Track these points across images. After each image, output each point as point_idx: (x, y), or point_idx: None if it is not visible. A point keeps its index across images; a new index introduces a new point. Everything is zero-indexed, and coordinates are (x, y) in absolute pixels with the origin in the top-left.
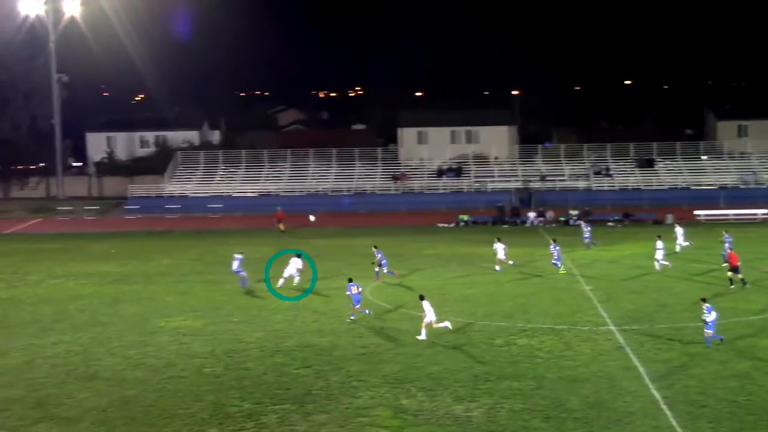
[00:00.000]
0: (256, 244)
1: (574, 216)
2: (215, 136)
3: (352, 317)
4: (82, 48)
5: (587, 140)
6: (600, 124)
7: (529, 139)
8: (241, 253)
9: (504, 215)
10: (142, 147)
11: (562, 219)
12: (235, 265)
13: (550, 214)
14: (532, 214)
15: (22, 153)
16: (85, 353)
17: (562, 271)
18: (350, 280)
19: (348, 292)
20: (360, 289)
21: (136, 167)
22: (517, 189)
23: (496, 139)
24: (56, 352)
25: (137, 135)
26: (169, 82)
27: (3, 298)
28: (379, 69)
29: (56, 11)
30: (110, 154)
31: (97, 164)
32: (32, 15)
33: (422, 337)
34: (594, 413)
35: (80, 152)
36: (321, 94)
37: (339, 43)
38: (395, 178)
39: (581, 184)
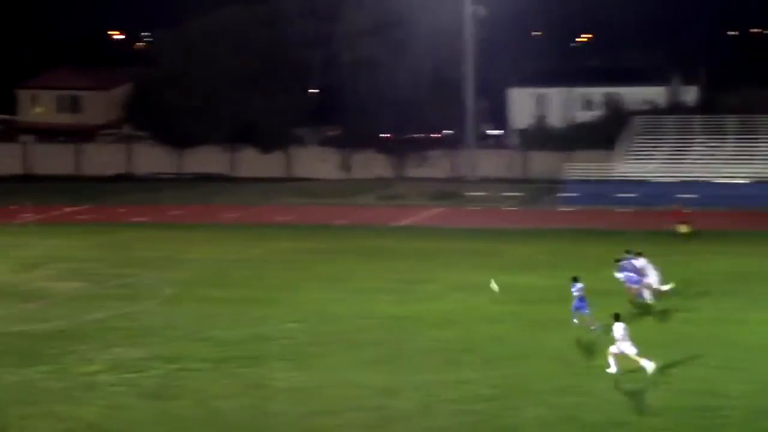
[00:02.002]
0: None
1: None
2: (690, 95)
3: (574, 321)
4: None
5: None
6: None
7: None
8: (628, 252)
9: None
10: (584, 109)
11: None
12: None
13: None
14: None
15: (421, 118)
16: (499, 399)
17: None
18: (575, 280)
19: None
20: (581, 291)
21: (577, 138)
22: None
23: None
24: (461, 394)
25: (578, 92)
26: (626, 16)
27: (394, 316)
28: None
29: None
30: (540, 119)
31: (522, 133)
32: None
33: (611, 369)
34: None
35: (498, 116)
36: None
37: None
38: None
39: None
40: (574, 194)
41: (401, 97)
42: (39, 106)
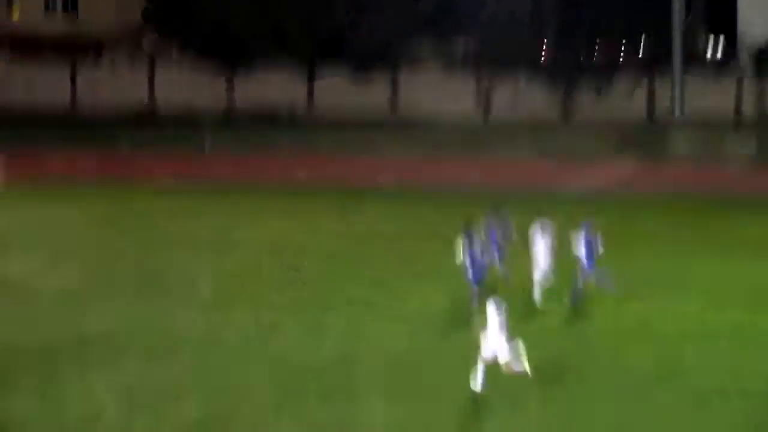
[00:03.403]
0: None
1: None
2: None
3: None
4: None
5: None
6: None
7: None
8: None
9: None
10: None
11: None
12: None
13: None
14: None
15: (601, 27)
16: None
17: None
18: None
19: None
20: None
21: None
22: None
23: None
24: None
25: None
26: None
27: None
28: None
29: None
30: None
31: (758, 53)
32: None
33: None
34: None
35: (721, 25)
36: None
37: None
38: None
39: None
40: None
41: None
42: (15, 7)
